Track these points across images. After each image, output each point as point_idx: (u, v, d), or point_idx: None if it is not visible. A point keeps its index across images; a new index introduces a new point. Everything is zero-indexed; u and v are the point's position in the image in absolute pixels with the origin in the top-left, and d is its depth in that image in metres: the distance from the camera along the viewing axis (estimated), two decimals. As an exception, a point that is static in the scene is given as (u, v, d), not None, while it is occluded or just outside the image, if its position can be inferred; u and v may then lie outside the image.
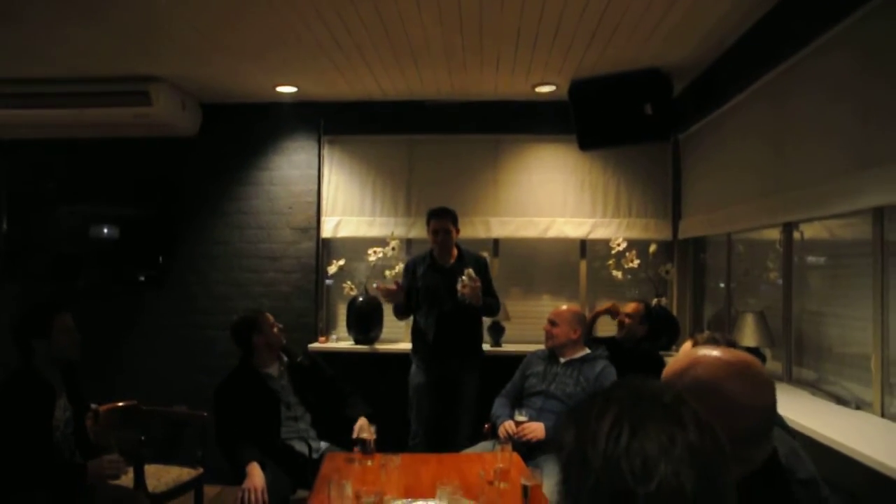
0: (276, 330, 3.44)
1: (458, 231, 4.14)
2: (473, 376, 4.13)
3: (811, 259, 3.29)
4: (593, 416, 0.80)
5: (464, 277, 3.82)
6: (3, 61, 4.08)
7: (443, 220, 4.05)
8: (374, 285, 4.10)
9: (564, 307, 3.64)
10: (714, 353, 1.34)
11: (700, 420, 0.80)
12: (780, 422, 1.71)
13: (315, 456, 3.31)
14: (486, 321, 4.51)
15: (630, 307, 4.05)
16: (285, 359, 3.51)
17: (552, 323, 3.56)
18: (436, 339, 4.05)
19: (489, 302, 4.10)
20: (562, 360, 3.53)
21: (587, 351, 3.57)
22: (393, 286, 4.01)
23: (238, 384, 3.31)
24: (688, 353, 1.37)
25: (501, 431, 3.30)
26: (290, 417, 3.37)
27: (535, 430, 3.23)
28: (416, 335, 4.20)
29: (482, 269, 4.15)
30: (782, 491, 1.32)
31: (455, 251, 4.14)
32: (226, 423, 3.18)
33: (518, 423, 3.27)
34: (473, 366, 4.14)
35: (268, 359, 3.42)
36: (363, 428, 3.13)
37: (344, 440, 3.22)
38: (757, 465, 1.28)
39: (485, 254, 5.03)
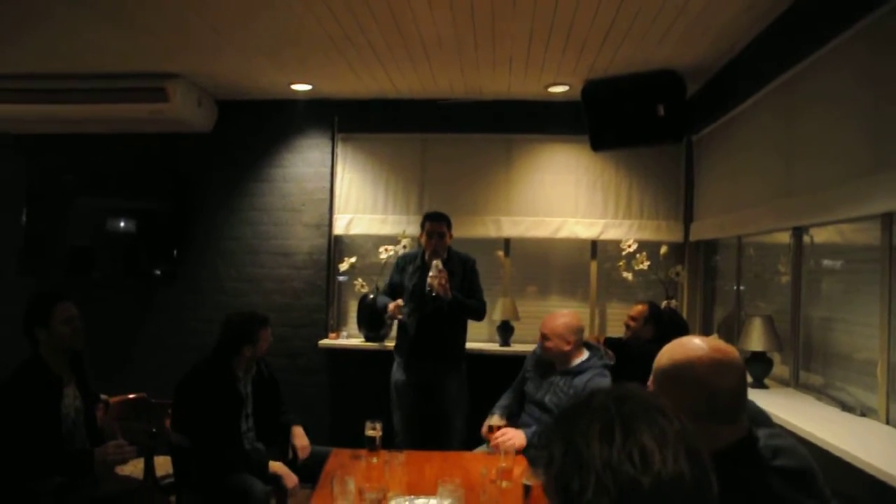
0: (266, 345, 3.32)
1: (451, 236, 4.11)
2: (457, 380, 4.11)
3: (822, 263, 3.27)
4: (580, 426, 0.85)
5: (431, 269, 3.81)
6: (22, 58, 4.15)
7: (438, 223, 4.04)
8: (390, 311, 4.04)
9: (557, 318, 3.39)
10: (694, 340, 1.57)
11: (676, 411, 0.88)
12: (764, 420, 1.75)
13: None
14: (481, 324, 4.51)
15: (635, 309, 4.04)
16: (254, 367, 3.38)
17: (544, 337, 3.39)
18: (416, 338, 4.05)
19: (469, 303, 4.04)
20: (558, 368, 3.39)
21: (583, 357, 3.37)
22: (399, 314, 4.03)
23: (212, 382, 3.15)
24: (673, 341, 1.60)
25: (483, 430, 3.24)
26: (245, 429, 3.27)
27: (513, 437, 3.04)
28: (400, 333, 4.23)
29: (469, 270, 4.13)
30: (750, 473, 1.43)
31: (445, 255, 4.08)
32: (212, 419, 3.04)
33: (493, 429, 3.13)
34: (455, 369, 4.12)
35: (243, 364, 3.30)
36: (301, 436, 3.35)
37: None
38: (721, 444, 1.42)
39: (500, 252, 5.06)
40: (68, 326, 2.82)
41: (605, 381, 3.21)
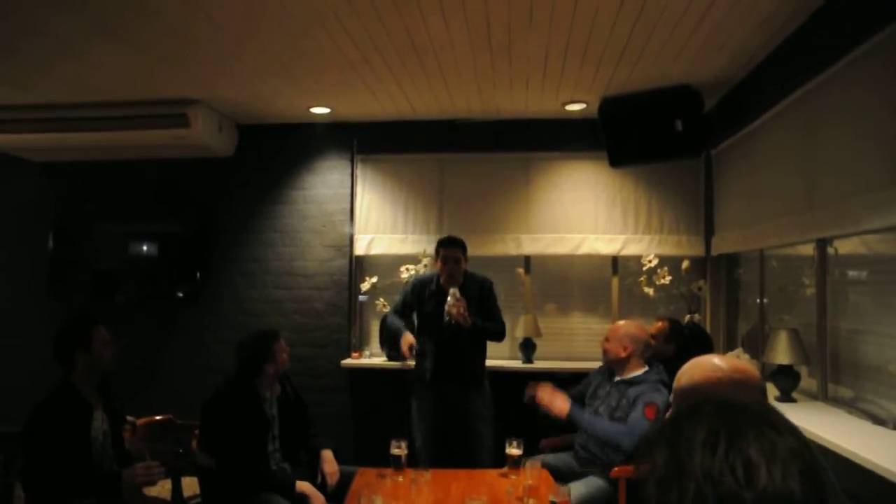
0: (285, 356, 3.33)
1: (466, 261, 4.04)
2: (481, 398, 4.03)
3: (848, 274, 3.23)
4: (684, 432, 0.82)
5: (449, 298, 3.77)
6: (46, 88, 4.24)
7: (453, 249, 3.98)
8: (403, 351, 4.02)
9: (623, 325, 3.48)
10: (714, 360, 1.58)
11: (790, 425, 0.83)
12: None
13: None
14: (503, 342, 4.41)
15: (655, 327, 3.97)
16: (278, 387, 3.38)
17: (606, 338, 3.48)
18: (435, 365, 3.99)
19: (488, 326, 3.98)
20: (616, 378, 3.42)
21: (641, 371, 3.36)
22: (408, 352, 3.99)
23: (238, 403, 3.15)
24: (692, 360, 1.62)
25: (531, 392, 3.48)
26: (272, 450, 3.27)
27: (559, 406, 3.31)
28: (418, 359, 4.13)
29: (487, 292, 4.07)
30: None
31: (461, 280, 4.01)
32: (239, 442, 3.05)
33: (534, 396, 3.42)
34: (477, 389, 4.04)
35: (268, 383, 3.29)
36: (331, 461, 3.29)
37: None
38: None
39: (520, 270, 5.06)
40: (108, 349, 2.88)
41: (659, 395, 3.19)
